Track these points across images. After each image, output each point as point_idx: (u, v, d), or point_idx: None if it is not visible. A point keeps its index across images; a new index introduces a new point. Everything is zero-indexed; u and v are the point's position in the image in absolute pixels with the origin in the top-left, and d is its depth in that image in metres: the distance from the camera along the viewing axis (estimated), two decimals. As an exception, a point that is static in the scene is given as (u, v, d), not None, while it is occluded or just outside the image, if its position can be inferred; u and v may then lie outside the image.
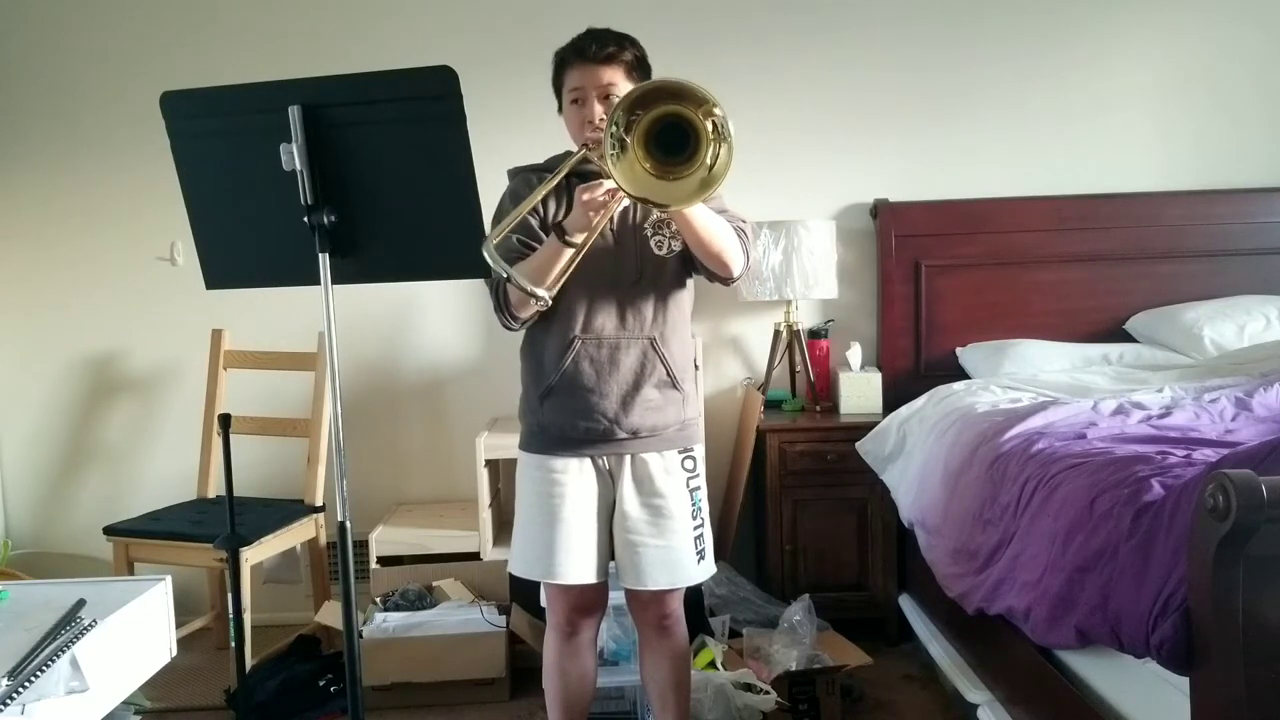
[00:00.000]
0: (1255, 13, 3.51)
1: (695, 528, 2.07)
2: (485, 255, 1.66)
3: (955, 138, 3.52)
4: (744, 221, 2.03)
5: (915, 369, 3.50)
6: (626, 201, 1.90)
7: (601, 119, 1.91)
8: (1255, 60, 3.52)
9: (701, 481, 2.11)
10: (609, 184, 1.81)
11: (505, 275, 1.71)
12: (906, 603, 3.19)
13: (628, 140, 1.70)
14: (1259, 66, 3.52)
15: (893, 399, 3.26)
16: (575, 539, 2.03)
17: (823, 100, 3.51)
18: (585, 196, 1.83)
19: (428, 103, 1.60)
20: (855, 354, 3.42)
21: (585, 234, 1.87)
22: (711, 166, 1.70)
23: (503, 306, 1.99)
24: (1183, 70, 3.52)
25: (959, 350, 3.44)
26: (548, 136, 2.11)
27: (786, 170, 3.51)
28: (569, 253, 1.89)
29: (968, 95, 3.51)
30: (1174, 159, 3.54)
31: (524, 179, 2.05)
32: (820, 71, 3.50)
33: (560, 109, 2.05)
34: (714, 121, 1.67)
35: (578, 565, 2.03)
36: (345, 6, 3.48)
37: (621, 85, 1.95)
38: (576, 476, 2.04)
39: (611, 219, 1.96)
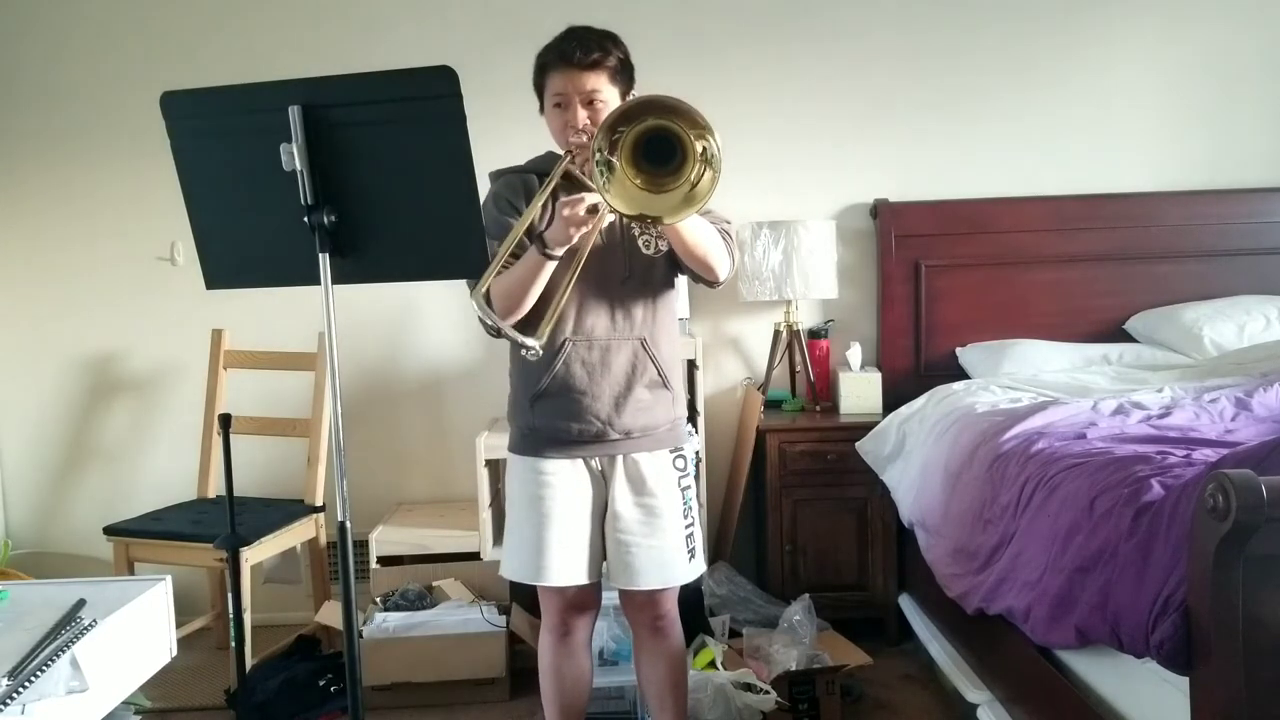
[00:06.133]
0: (1255, 13, 3.51)
1: (686, 526, 2.07)
2: (474, 305, 1.74)
3: (955, 138, 3.52)
4: (728, 223, 2.02)
5: (915, 369, 3.49)
6: (611, 217, 1.89)
7: (585, 124, 1.90)
8: (1255, 60, 3.52)
9: (691, 480, 2.10)
10: (591, 199, 1.80)
11: (497, 330, 1.79)
12: (906, 603, 3.18)
13: (614, 160, 1.71)
14: (1259, 67, 3.52)
15: (893, 399, 3.26)
16: (567, 540, 2.02)
17: (823, 100, 3.51)
18: (566, 212, 1.81)
19: (428, 103, 1.59)
20: (855, 354, 3.42)
21: (566, 248, 1.86)
22: (694, 185, 1.71)
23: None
24: (1183, 70, 3.52)
25: (959, 350, 3.44)
26: (549, 137, 2.10)
27: (786, 170, 3.50)
28: (551, 266, 1.88)
29: (968, 95, 3.51)
30: (1174, 159, 3.54)
31: (506, 182, 2.03)
32: (821, 71, 3.50)
33: (541, 109, 2.03)
34: (704, 147, 1.68)
35: (569, 567, 2.03)
36: (345, 6, 3.48)
37: (605, 90, 1.93)
38: (568, 477, 2.03)
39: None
